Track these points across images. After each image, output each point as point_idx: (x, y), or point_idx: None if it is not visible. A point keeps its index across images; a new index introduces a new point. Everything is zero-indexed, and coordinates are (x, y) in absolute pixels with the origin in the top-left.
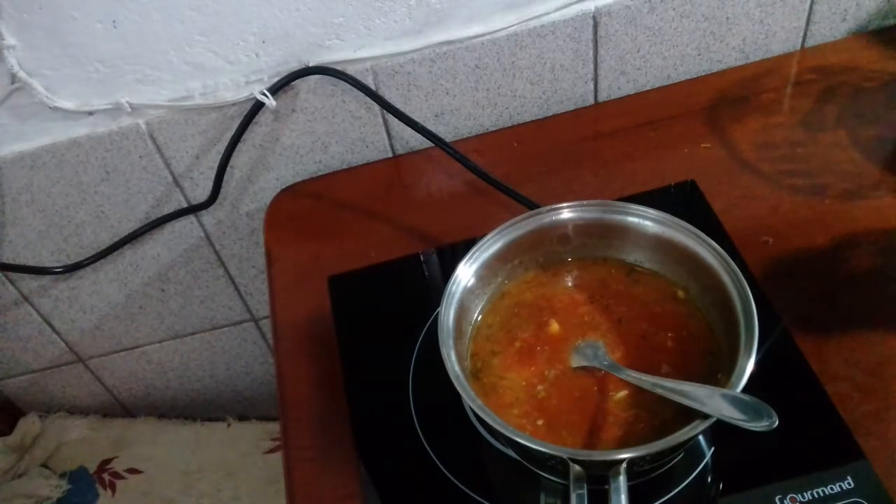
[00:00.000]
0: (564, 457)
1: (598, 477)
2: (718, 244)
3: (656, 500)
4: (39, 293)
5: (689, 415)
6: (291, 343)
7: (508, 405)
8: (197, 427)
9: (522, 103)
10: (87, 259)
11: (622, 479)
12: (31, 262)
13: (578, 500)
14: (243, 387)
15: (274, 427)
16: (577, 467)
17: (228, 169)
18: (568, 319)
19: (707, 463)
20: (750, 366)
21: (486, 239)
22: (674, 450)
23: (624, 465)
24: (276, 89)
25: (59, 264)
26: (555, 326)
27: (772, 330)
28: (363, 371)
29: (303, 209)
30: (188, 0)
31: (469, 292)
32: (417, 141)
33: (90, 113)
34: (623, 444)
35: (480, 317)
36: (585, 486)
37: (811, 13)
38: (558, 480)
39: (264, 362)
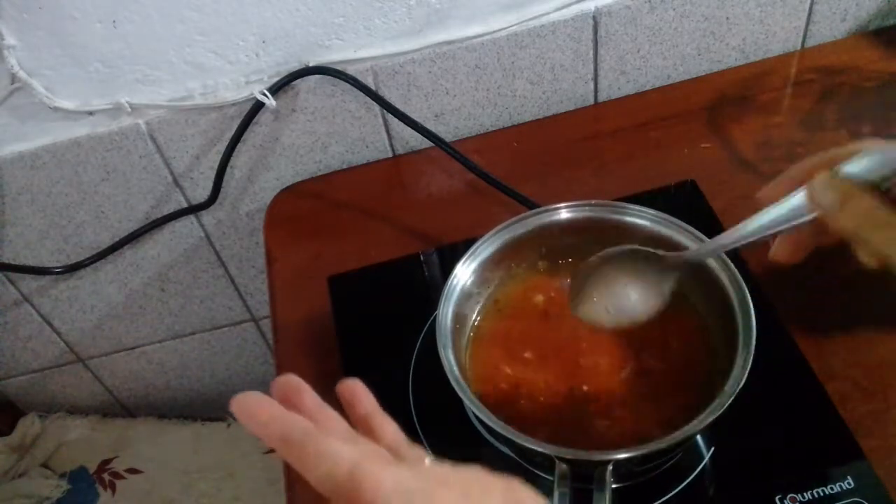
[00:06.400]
0: (551, 454)
1: (590, 475)
2: None
3: (656, 501)
4: (39, 293)
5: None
6: (291, 343)
7: (507, 404)
8: (197, 427)
9: (522, 103)
10: (87, 259)
11: (608, 478)
12: (31, 262)
13: (561, 499)
14: (243, 387)
15: None
16: (563, 465)
17: (228, 169)
18: (566, 318)
19: (707, 463)
20: (748, 365)
21: (484, 238)
22: (662, 454)
23: (610, 465)
24: (276, 89)
25: (59, 264)
26: (553, 325)
27: (772, 330)
28: (363, 371)
29: (303, 209)
30: (188, 0)
31: (467, 292)
32: (417, 141)
33: (90, 113)
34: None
35: (479, 316)
36: (569, 484)
37: (811, 13)
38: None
39: (264, 362)
